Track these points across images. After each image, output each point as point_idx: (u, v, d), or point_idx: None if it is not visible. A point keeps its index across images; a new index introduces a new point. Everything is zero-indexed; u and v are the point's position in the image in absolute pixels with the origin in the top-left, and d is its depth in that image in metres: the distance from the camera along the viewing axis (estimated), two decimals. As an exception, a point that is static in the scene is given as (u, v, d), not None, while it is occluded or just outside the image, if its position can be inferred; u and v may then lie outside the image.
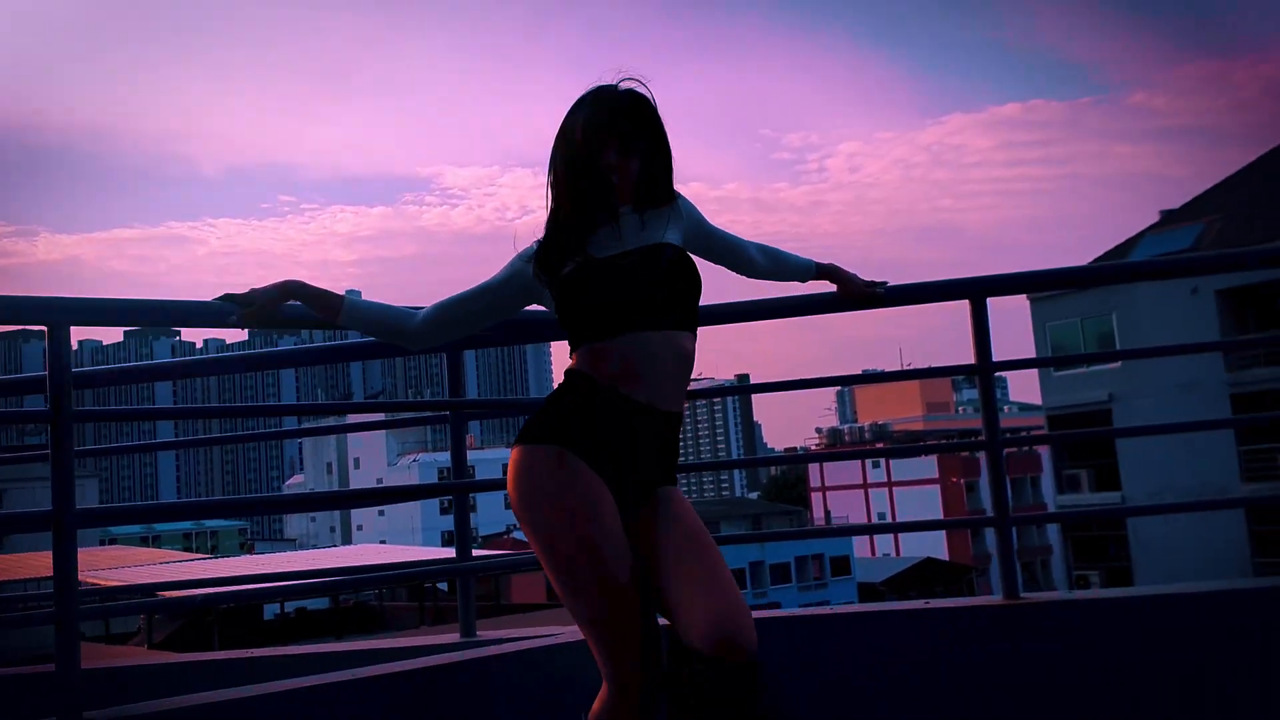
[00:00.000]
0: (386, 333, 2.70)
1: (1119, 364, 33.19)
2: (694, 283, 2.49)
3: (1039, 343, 36.78)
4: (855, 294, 3.22)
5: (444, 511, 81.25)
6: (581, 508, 2.26)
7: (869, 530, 3.43)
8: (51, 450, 2.62)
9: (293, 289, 2.68)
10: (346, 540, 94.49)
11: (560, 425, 2.36)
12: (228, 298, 2.70)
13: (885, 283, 3.25)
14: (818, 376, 3.70)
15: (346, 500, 4.26)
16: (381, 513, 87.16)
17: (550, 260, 2.50)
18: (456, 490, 3.42)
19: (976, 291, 3.36)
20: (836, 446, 74.67)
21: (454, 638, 3.46)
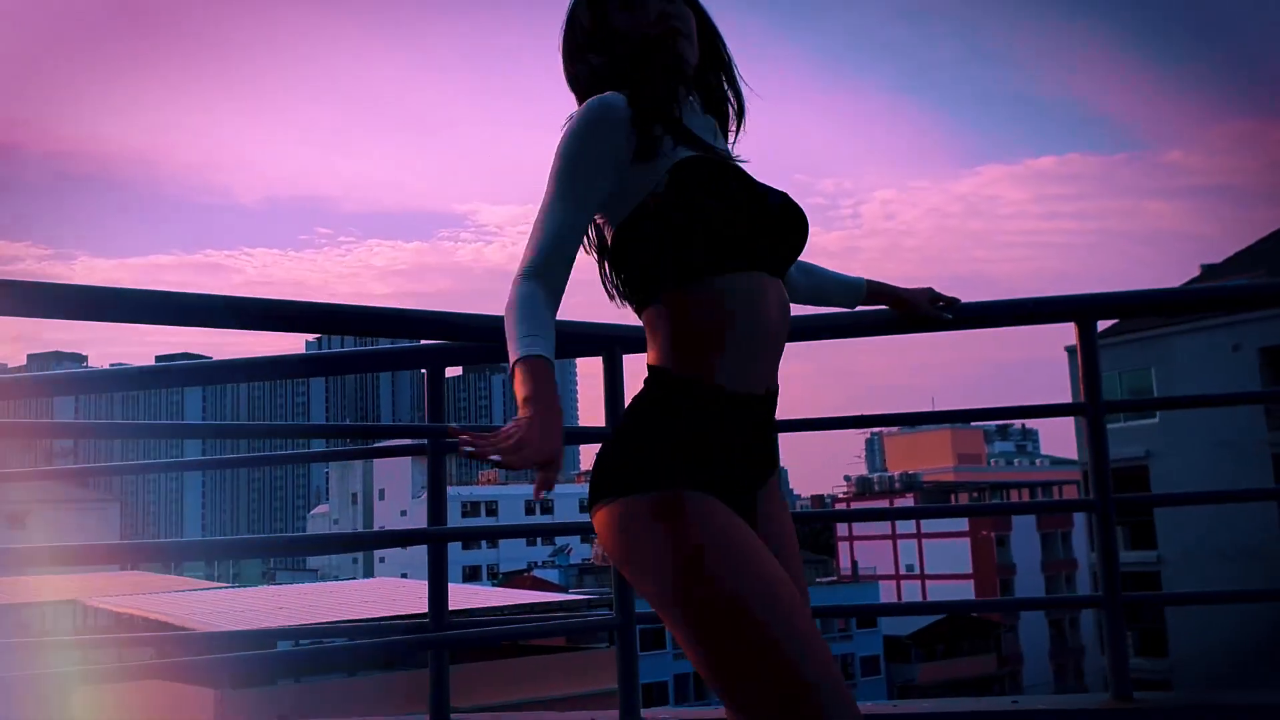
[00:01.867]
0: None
1: (1156, 419, 32.40)
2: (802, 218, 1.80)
3: (1074, 395, 35.96)
4: (919, 314, 2.52)
5: (465, 514, 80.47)
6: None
7: (992, 606, 2.76)
8: None
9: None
10: (369, 571, 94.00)
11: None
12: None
13: (957, 300, 2.57)
14: (935, 411, 3.02)
15: (300, 548, 3.63)
16: (404, 513, 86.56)
17: (650, 133, 1.73)
18: (433, 540, 2.75)
19: (1085, 312, 2.69)
20: (867, 496, 73.51)
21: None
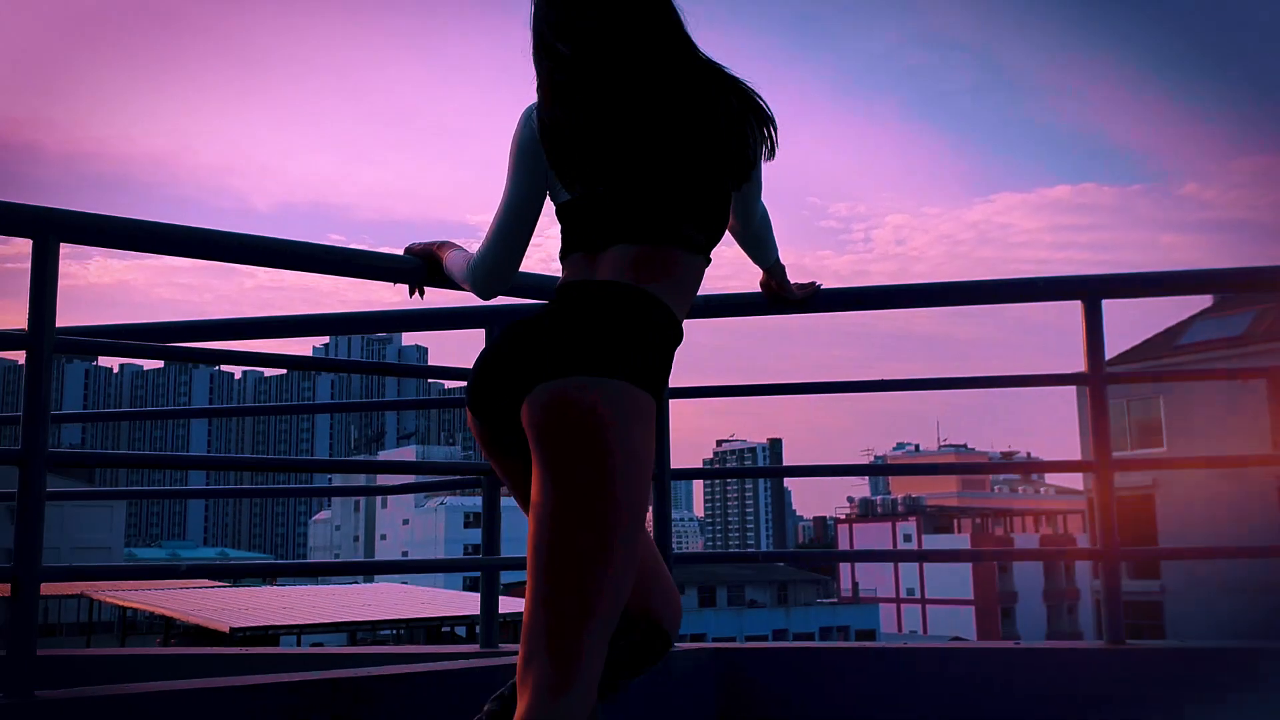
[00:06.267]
0: (459, 280, 2.37)
1: (1164, 449, 32.60)
2: None
3: (1083, 425, 36.13)
4: (781, 297, 2.83)
5: (468, 525, 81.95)
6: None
7: (996, 556, 2.97)
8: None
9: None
10: (369, 553, 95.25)
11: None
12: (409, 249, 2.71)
13: (814, 285, 2.87)
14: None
15: (370, 568, 3.87)
16: (406, 521, 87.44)
17: None
18: (485, 566, 3.06)
19: (1091, 292, 2.94)
20: (869, 518, 73.68)
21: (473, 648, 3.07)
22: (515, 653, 2.95)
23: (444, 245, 2.53)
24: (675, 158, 1.88)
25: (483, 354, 1.88)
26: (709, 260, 1.98)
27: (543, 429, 1.70)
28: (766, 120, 1.98)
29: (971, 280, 3.02)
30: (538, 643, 1.66)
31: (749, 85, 1.99)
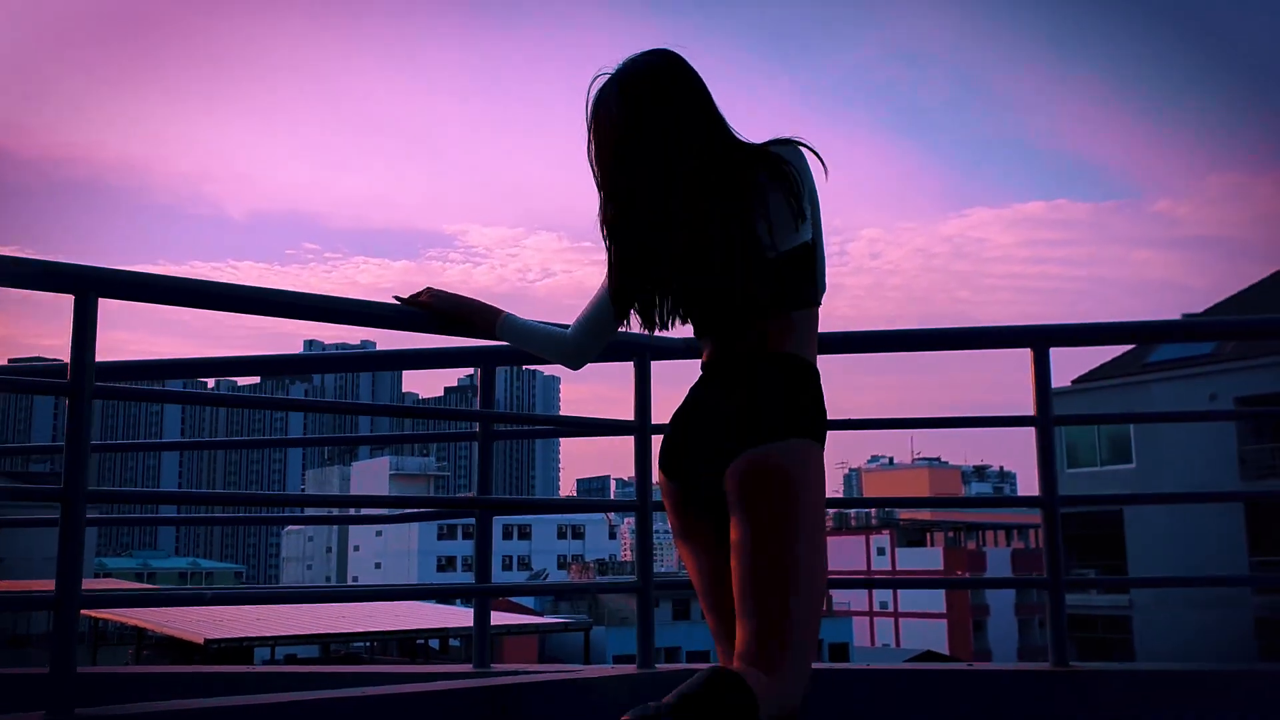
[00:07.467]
0: (542, 350, 2.56)
1: (1134, 465, 32.94)
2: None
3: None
4: None
5: (441, 536, 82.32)
6: None
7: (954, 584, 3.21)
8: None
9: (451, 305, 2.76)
10: (342, 564, 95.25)
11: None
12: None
13: None
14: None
15: (373, 595, 4.08)
16: (379, 533, 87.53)
17: None
18: (479, 593, 3.30)
19: (1039, 340, 3.21)
20: (843, 531, 73.96)
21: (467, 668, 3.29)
22: (507, 674, 3.19)
23: (486, 306, 2.67)
24: (738, 240, 2.09)
25: (667, 434, 2.18)
26: (819, 303, 2.23)
27: (755, 489, 1.98)
28: (791, 169, 2.23)
29: (927, 328, 3.28)
30: (778, 633, 1.90)
31: (781, 145, 2.26)
